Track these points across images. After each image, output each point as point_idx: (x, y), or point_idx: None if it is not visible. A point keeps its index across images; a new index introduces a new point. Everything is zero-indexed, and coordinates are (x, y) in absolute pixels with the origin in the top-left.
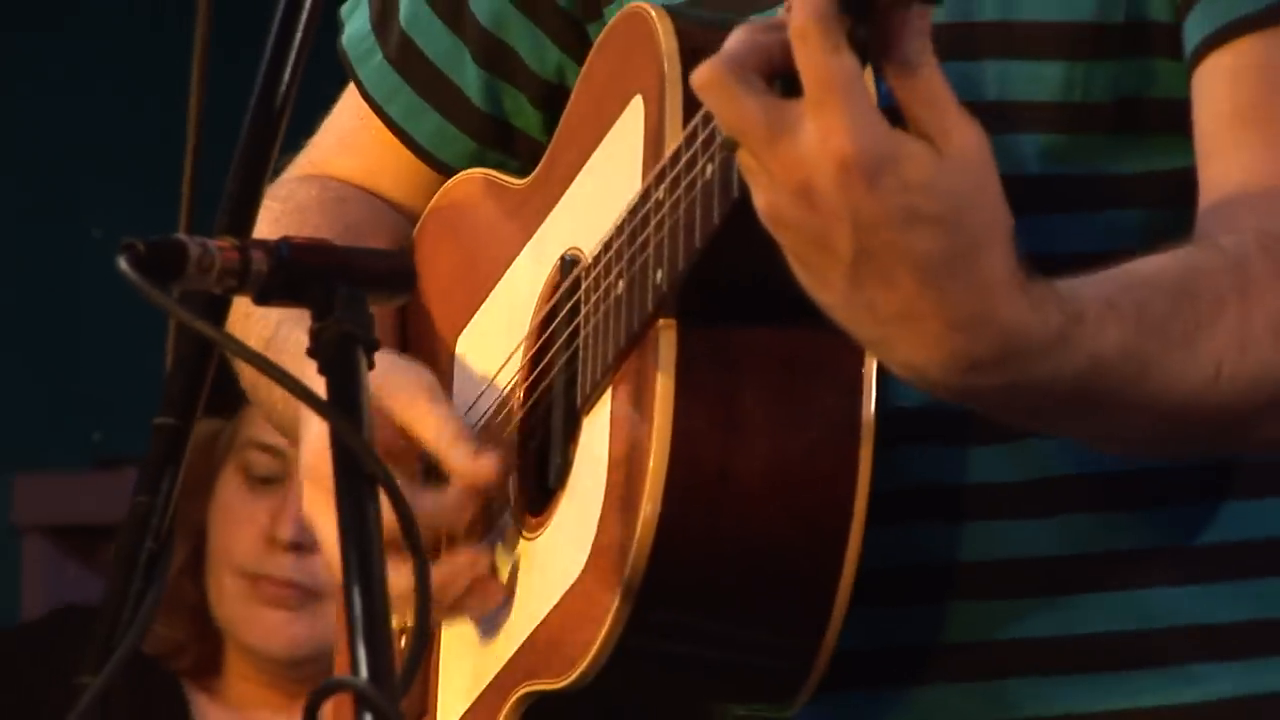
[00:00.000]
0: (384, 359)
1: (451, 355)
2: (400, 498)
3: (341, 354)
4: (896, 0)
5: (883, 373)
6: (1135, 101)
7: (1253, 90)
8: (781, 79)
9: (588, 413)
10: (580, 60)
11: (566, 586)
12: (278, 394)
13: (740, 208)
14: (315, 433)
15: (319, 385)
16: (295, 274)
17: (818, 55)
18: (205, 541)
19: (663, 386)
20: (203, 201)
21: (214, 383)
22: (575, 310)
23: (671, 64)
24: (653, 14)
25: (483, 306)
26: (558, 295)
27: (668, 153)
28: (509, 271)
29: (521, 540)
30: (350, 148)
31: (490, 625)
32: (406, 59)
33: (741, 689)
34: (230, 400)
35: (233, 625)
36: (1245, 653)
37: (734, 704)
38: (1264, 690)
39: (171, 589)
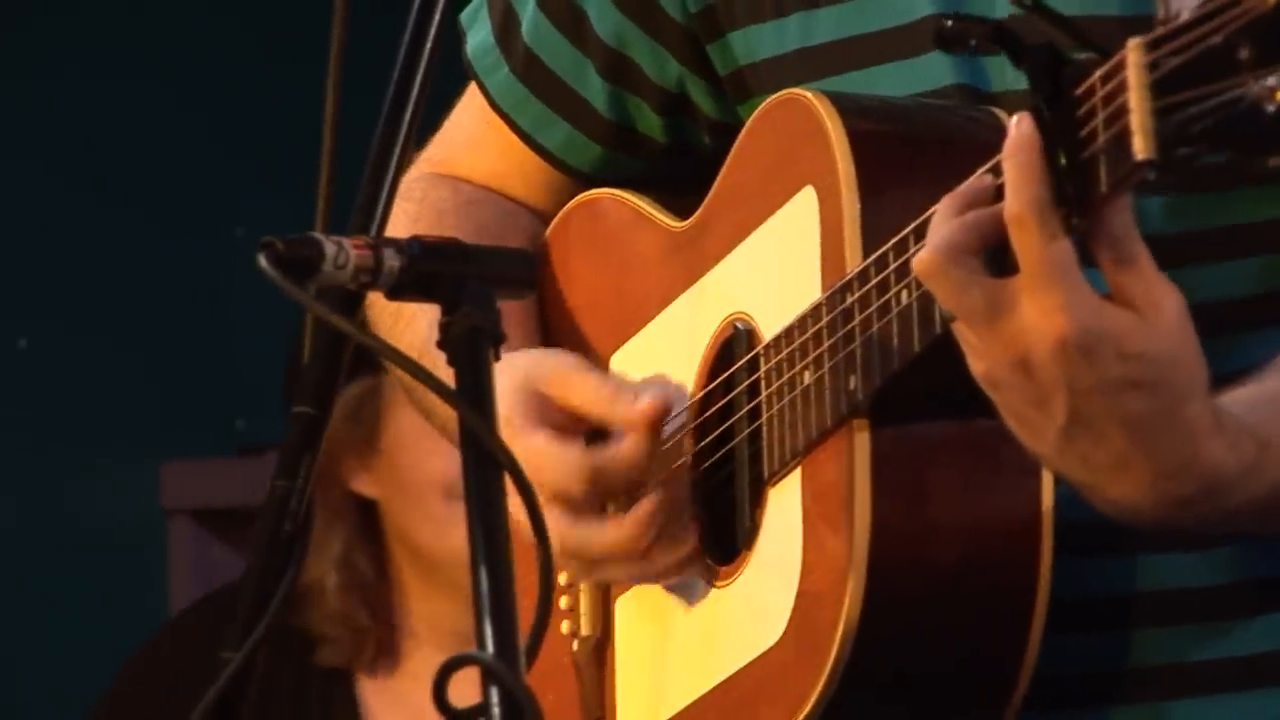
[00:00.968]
0: (526, 354)
1: (605, 367)
2: (525, 481)
3: (469, 347)
4: (1114, 196)
5: None
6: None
7: None
8: (990, 253)
9: (774, 485)
10: (699, 72)
11: (760, 651)
12: (433, 396)
13: (940, 339)
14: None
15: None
16: (425, 271)
17: (1035, 242)
18: (374, 514)
19: (860, 482)
20: (339, 200)
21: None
22: (756, 387)
23: (845, 161)
24: (816, 103)
25: (640, 333)
26: (738, 364)
27: (853, 265)
28: (668, 309)
29: (709, 587)
30: (479, 150)
31: (680, 653)
32: (532, 72)
33: None
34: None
35: (454, 555)
36: None
37: None
38: None
39: (346, 570)
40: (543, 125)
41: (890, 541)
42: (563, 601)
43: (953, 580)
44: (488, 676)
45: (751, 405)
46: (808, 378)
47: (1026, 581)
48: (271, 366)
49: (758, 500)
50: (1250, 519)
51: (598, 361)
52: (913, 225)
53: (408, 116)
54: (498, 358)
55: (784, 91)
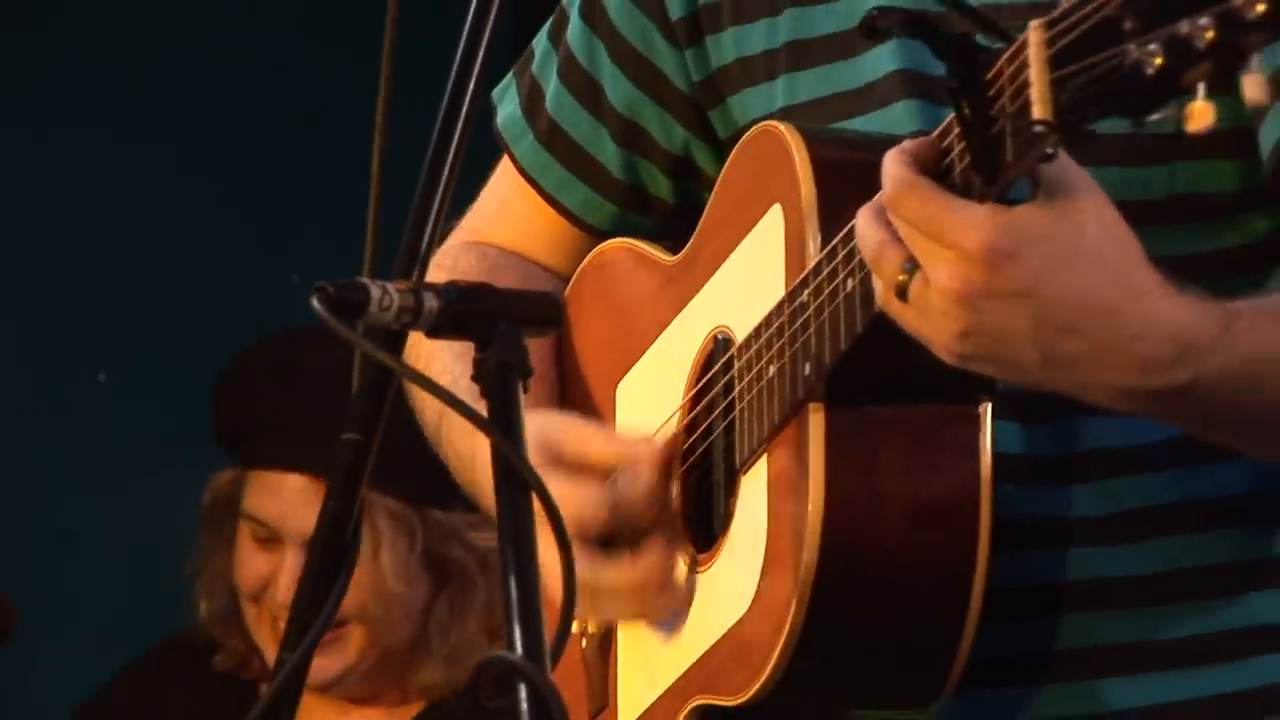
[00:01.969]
0: (541, 413)
1: (611, 399)
2: (551, 501)
3: (500, 380)
4: (1019, 164)
5: (994, 436)
6: (1183, 198)
7: None
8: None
9: (745, 473)
10: (703, 137)
11: (736, 619)
12: (452, 451)
13: (879, 319)
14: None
15: (482, 408)
16: (461, 312)
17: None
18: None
19: (814, 460)
20: (384, 249)
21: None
22: (730, 385)
23: (807, 179)
24: (786, 134)
25: (639, 362)
26: (715, 368)
27: (810, 262)
28: (662, 336)
29: (693, 574)
30: (507, 216)
31: (666, 638)
32: (554, 139)
33: (889, 699)
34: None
35: (265, 652)
36: None
37: (882, 710)
38: None
39: (232, 608)
40: (563, 187)
41: (842, 513)
42: None
43: (900, 550)
44: (517, 675)
45: (726, 403)
46: (771, 370)
47: (967, 551)
48: None
49: (732, 489)
50: (1235, 403)
51: (607, 395)
52: (859, 213)
53: (444, 177)
54: (526, 390)
55: (760, 124)
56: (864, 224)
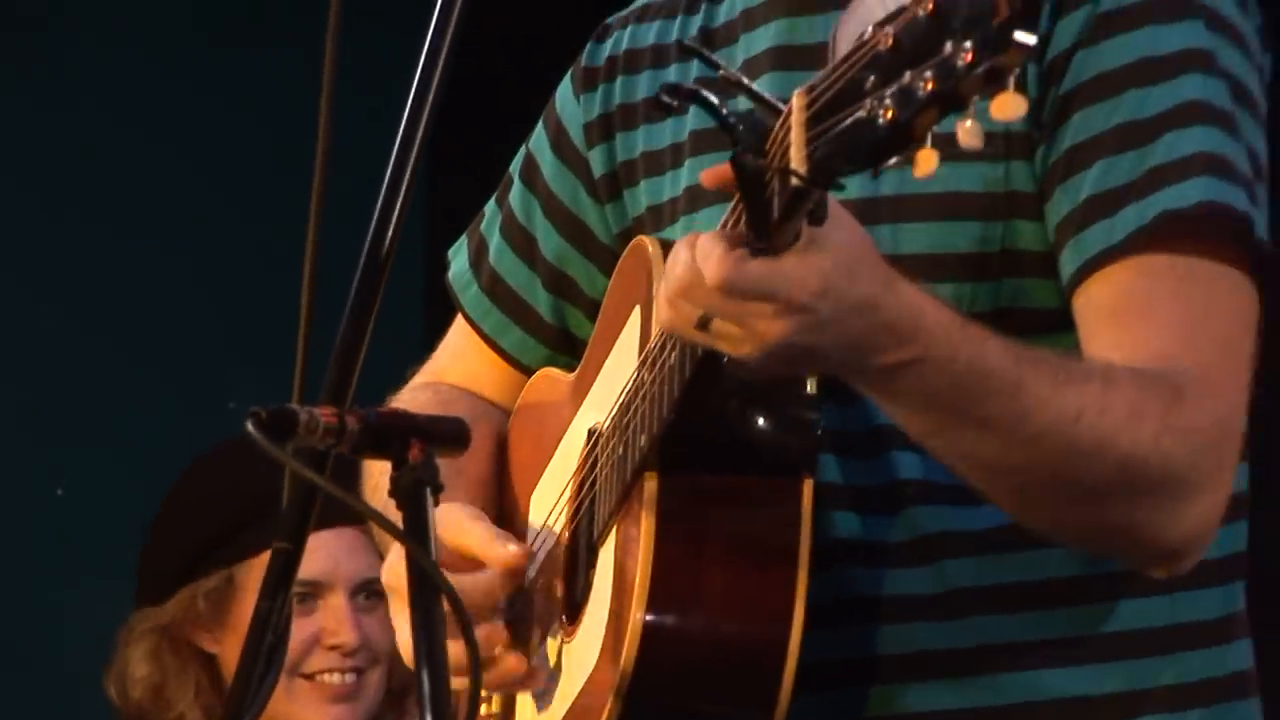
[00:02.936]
0: (445, 509)
1: (527, 509)
2: (459, 603)
3: (414, 494)
4: (786, 220)
5: (816, 506)
6: (1010, 311)
7: (1116, 302)
8: None
9: (602, 544)
10: None
11: (584, 680)
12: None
13: (693, 383)
14: (394, 556)
15: (397, 518)
16: (379, 434)
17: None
18: (216, 664)
19: (645, 525)
20: (312, 376)
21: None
22: (594, 468)
23: (658, 278)
24: (648, 244)
25: (545, 471)
26: (586, 461)
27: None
28: (560, 444)
29: (562, 643)
30: (459, 358)
31: (540, 707)
32: (495, 287)
33: None
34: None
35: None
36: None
37: None
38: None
39: (201, 705)
40: (502, 330)
41: (670, 568)
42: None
43: (724, 599)
44: None
45: (590, 483)
46: (621, 449)
47: (787, 587)
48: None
49: (592, 561)
50: (955, 400)
51: (526, 504)
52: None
53: (365, 320)
54: (437, 504)
55: (632, 240)
56: (660, 301)
